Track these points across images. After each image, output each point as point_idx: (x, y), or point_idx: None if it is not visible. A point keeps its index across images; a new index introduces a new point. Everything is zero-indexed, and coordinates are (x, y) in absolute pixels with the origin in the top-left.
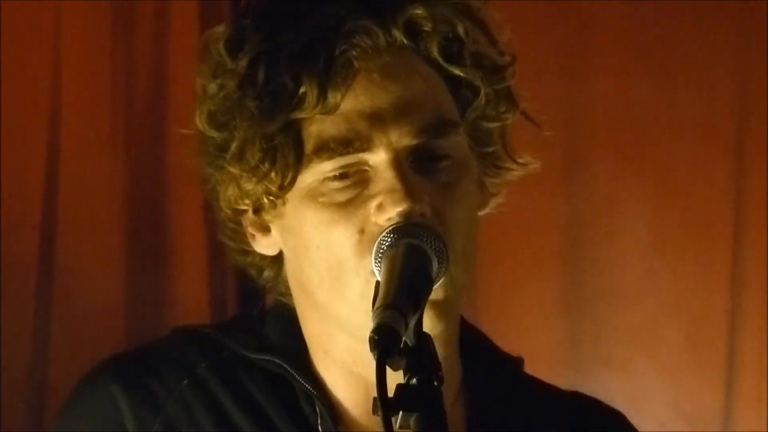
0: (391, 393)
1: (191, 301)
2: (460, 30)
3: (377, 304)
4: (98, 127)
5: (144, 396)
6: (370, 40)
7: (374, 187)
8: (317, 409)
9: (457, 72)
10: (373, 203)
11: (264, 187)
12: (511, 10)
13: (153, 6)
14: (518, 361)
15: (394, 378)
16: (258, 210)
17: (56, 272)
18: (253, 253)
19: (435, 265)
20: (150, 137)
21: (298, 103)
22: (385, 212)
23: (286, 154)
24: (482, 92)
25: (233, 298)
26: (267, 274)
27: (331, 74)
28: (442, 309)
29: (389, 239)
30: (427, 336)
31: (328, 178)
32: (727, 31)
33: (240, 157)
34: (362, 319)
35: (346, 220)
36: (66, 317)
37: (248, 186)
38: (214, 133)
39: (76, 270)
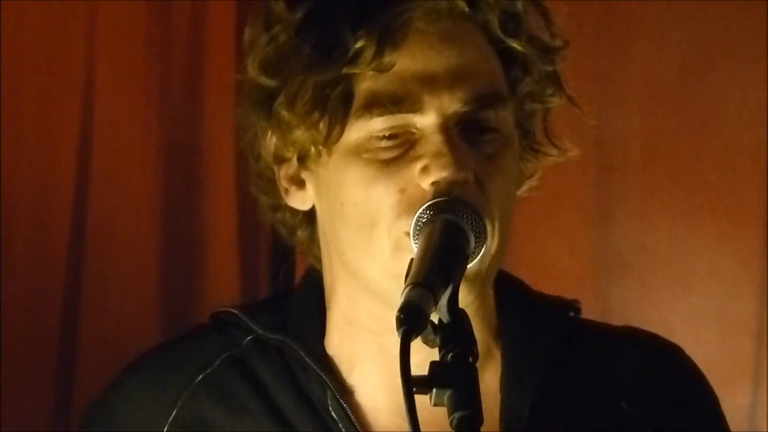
0: (424, 371)
1: (223, 288)
2: (519, 5)
3: (407, 281)
4: (132, 128)
5: (155, 397)
6: (433, 3)
7: (420, 149)
8: (327, 391)
9: (515, 46)
10: (419, 165)
11: (311, 136)
12: None
13: (189, 6)
14: (563, 304)
15: (428, 355)
16: (302, 159)
17: (87, 256)
18: (285, 208)
19: (472, 240)
20: (184, 135)
21: (354, 57)
22: (430, 176)
23: (336, 106)
24: (536, 70)
25: (265, 283)
26: (300, 234)
27: (390, 32)
28: (474, 282)
29: (426, 215)
30: (462, 312)
31: (375, 137)
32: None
33: (291, 103)
34: (389, 283)
35: (388, 178)
36: (97, 304)
37: (297, 133)
38: (264, 80)
39: (108, 261)
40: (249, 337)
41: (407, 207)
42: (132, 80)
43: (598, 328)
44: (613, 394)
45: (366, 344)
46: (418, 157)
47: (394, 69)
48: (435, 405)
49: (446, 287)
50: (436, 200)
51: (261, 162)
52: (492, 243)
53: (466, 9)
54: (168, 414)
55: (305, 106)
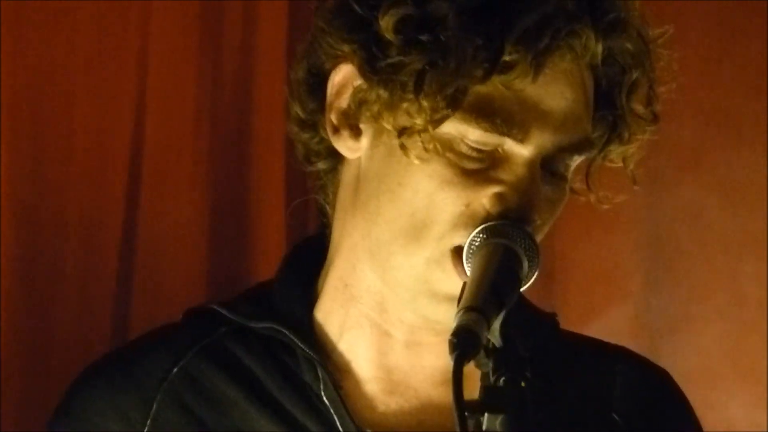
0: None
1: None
2: (641, 76)
3: (461, 305)
4: (183, 127)
5: (129, 397)
6: (581, 47)
7: (502, 173)
8: (319, 375)
9: (628, 117)
10: (495, 188)
11: (424, 120)
12: None
13: (242, 6)
14: (550, 316)
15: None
16: (402, 132)
17: (139, 231)
18: (315, 131)
19: (525, 265)
20: (236, 137)
21: (501, 68)
22: (504, 206)
23: (457, 101)
24: (630, 140)
25: None
26: (320, 165)
27: (541, 60)
28: None
29: (479, 239)
30: (513, 337)
31: (465, 142)
32: None
33: (421, 88)
34: (407, 280)
35: (462, 190)
36: (148, 309)
37: (411, 108)
38: (393, 37)
39: (159, 233)
40: (224, 329)
41: (466, 221)
42: (184, 80)
43: (586, 342)
44: (605, 405)
45: (356, 314)
46: (497, 181)
47: (520, 92)
48: (487, 430)
49: (499, 312)
50: (489, 224)
51: (311, 75)
52: None
53: (599, 61)
54: (146, 412)
55: (436, 97)
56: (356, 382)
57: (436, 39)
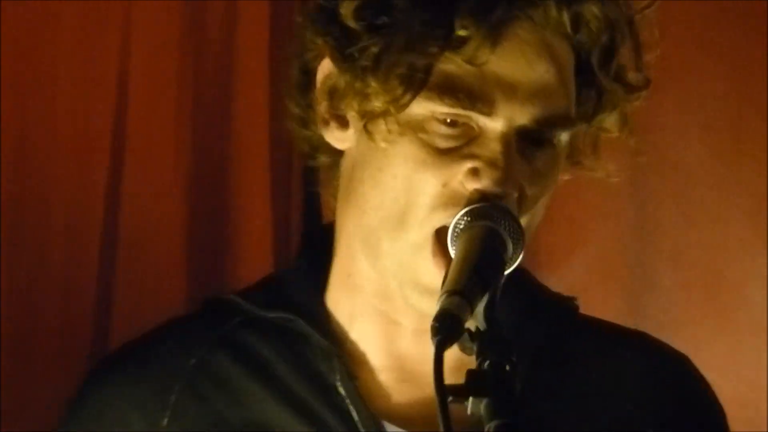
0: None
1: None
2: (618, 40)
3: (444, 288)
4: (164, 124)
5: (148, 389)
6: (542, 16)
7: (476, 149)
8: (334, 365)
9: (604, 83)
10: (469, 164)
11: (383, 102)
12: None
13: (223, 6)
14: (569, 301)
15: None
16: (365, 115)
17: (120, 264)
18: (315, 128)
19: (510, 247)
20: (216, 136)
21: (455, 44)
22: (477, 182)
23: (419, 81)
24: (614, 106)
25: None
26: (324, 159)
27: (495, 31)
28: None
29: (463, 222)
30: (498, 320)
31: (436, 119)
32: None
33: (376, 69)
34: (395, 270)
35: (437, 168)
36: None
37: (369, 91)
38: (353, 23)
39: (140, 266)
40: (238, 319)
41: (445, 201)
42: (165, 79)
43: (605, 327)
44: (619, 393)
45: (362, 303)
46: (472, 156)
47: (482, 66)
48: (471, 414)
49: (483, 295)
50: (473, 206)
51: (302, 72)
52: None
53: (569, 29)
54: (166, 402)
55: (393, 80)
56: (369, 372)
57: (391, 21)
